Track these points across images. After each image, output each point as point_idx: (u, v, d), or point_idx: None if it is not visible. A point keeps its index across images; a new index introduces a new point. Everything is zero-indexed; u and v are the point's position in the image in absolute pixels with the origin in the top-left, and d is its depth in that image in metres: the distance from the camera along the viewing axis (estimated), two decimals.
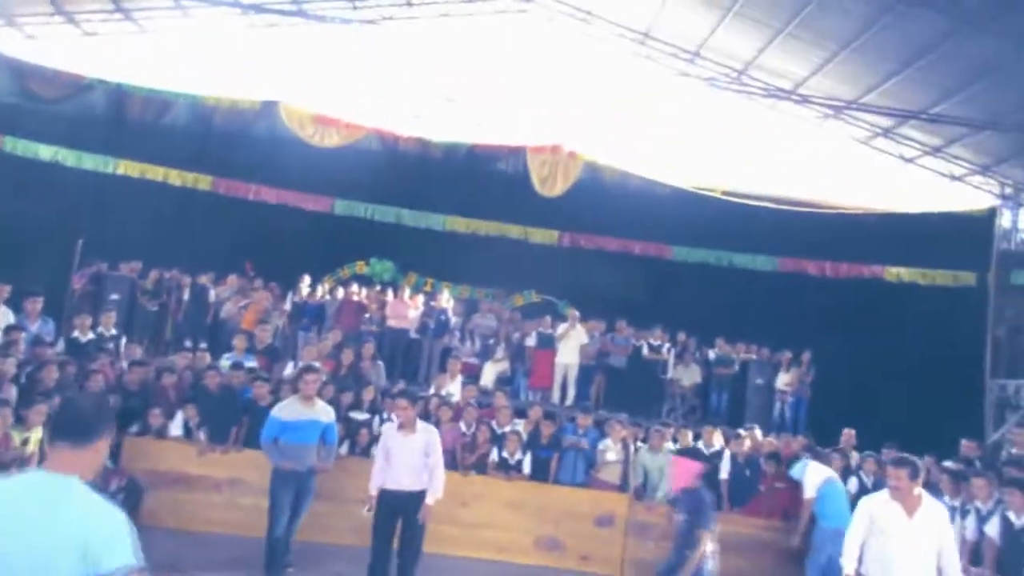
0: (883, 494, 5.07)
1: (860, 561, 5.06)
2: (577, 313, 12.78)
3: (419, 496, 6.45)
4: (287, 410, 7.05)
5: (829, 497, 8.04)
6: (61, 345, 9.58)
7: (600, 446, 9.02)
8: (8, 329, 8.22)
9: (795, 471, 8.48)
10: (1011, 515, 6.29)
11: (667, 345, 13.16)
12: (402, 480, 6.46)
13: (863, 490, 8.71)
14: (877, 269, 14.80)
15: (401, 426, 6.60)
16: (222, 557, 7.24)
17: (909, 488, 4.86)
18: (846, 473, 8.83)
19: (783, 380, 13.04)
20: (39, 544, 2.31)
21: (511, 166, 15.18)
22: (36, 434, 6.81)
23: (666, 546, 8.56)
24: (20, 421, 6.69)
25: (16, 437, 6.60)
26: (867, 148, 16.30)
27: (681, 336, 13.31)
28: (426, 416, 8.65)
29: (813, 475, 8.20)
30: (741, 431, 9.65)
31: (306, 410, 7.02)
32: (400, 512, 6.49)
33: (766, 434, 10.21)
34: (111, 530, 2.39)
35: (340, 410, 8.68)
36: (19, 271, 10.12)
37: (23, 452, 6.65)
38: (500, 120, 17.34)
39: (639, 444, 9.30)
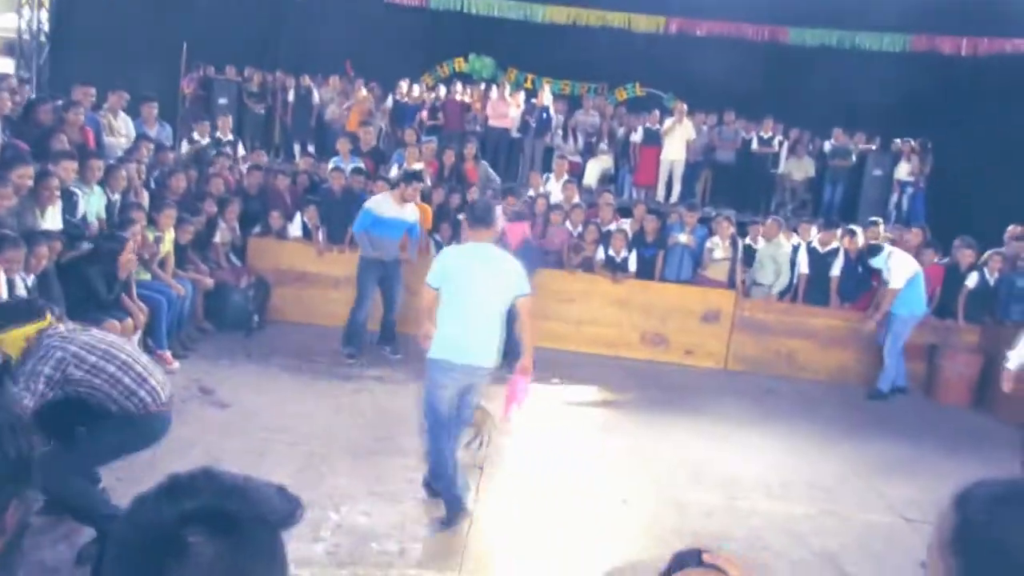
0: None
1: None
2: (684, 106, 12.22)
3: None
4: (382, 206, 7.52)
5: (913, 286, 8.08)
6: (185, 147, 9.92)
7: (708, 244, 8.94)
8: (139, 138, 8.54)
9: (878, 260, 8.29)
10: None
11: (778, 138, 12.60)
12: None
13: (984, 286, 8.48)
14: (1020, 43, 13.31)
15: (503, 214, 7.60)
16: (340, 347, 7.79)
17: None
18: (970, 268, 8.56)
19: (904, 170, 12.40)
20: (502, 272, 4.41)
21: None
22: (169, 235, 7.22)
23: (773, 340, 8.76)
24: (152, 223, 7.07)
25: (150, 236, 7.01)
26: None
27: (794, 132, 12.69)
28: (532, 215, 8.83)
29: (902, 266, 8.11)
30: (854, 227, 9.31)
31: (399, 209, 7.54)
32: None
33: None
34: (522, 272, 4.48)
35: (450, 212, 8.85)
36: (130, 77, 10.31)
37: (159, 250, 7.10)
38: None
39: (756, 240, 9.16)
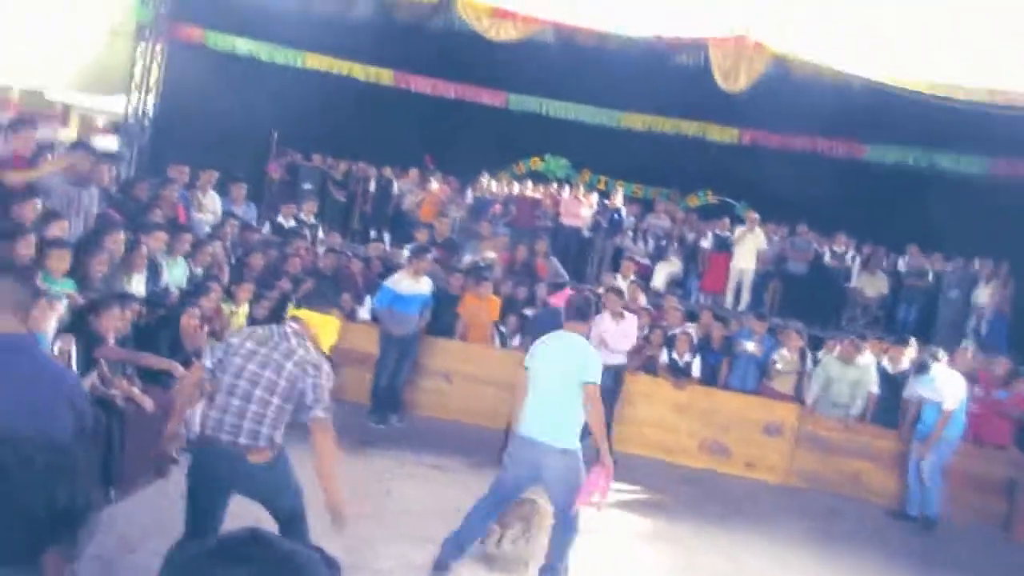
0: None
1: None
2: (756, 215, 12.26)
3: (624, 367, 8.10)
4: (400, 283, 8.08)
5: (959, 409, 7.74)
6: (266, 228, 10.41)
7: (774, 355, 8.78)
8: (226, 215, 9.05)
9: (925, 380, 7.80)
10: None
11: (851, 252, 12.46)
12: (616, 358, 7.79)
13: None
14: None
15: (614, 315, 7.90)
16: (400, 432, 7.96)
17: None
18: None
19: (983, 293, 12.04)
20: (572, 357, 4.65)
21: (691, 59, 14.40)
22: (243, 309, 7.48)
23: (838, 459, 8.42)
24: (230, 296, 7.35)
25: (226, 310, 7.27)
26: None
27: (868, 247, 12.54)
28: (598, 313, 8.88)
29: (955, 386, 7.72)
30: (936, 350, 9.00)
31: (415, 284, 8.08)
32: (611, 383, 7.56)
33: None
34: (594, 361, 4.67)
35: (516, 305, 8.97)
36: (222, 159, 10.90)
37: (230, 323, 7.33)
38: (681, 9, 16.39)
39: (827, 355, 8.92)
